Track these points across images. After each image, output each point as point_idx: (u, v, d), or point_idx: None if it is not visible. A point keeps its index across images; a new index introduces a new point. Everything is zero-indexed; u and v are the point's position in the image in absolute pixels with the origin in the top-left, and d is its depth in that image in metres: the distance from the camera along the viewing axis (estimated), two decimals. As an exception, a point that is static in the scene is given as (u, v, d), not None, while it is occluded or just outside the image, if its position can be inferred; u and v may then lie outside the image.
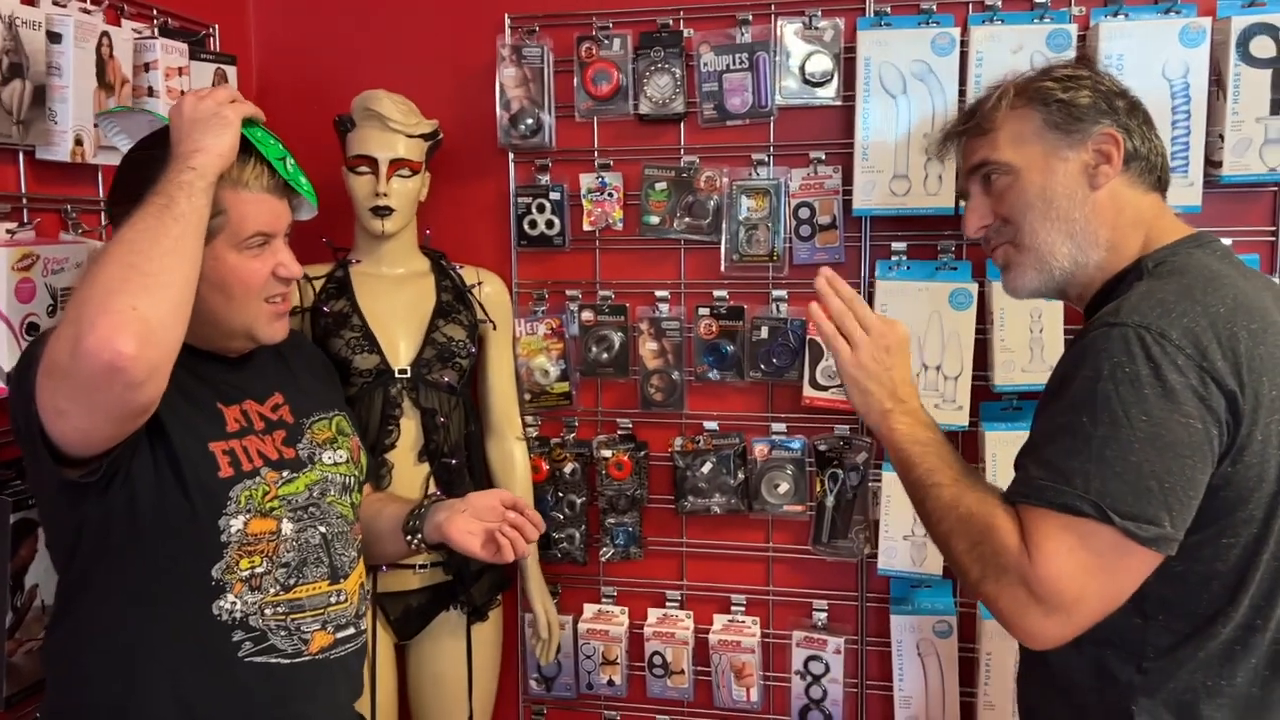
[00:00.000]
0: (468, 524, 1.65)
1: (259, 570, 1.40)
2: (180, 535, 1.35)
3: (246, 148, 1.41)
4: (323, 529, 1.49)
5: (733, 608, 2.26)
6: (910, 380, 1.36)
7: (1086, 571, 1.10)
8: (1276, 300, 1.23)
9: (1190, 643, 1.17)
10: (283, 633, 1.42)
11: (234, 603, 1.38)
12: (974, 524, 1.18)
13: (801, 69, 2.09)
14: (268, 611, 1.40)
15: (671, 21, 2.15)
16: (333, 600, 1.48)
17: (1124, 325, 1.12)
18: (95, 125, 1.73)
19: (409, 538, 1.69)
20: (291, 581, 1.43)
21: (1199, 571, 1.16)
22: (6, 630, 1.55)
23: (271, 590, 1.41)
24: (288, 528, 1.44)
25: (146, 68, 1.88)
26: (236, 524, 1.38)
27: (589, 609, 2.31)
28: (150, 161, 1.33)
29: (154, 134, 1.43)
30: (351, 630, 1.52)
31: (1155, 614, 1.18)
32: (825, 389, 2.12)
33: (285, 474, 1.45)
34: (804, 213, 2.12)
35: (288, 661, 1.41)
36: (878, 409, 1.33)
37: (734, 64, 2.11)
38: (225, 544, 1.37)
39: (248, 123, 1.41)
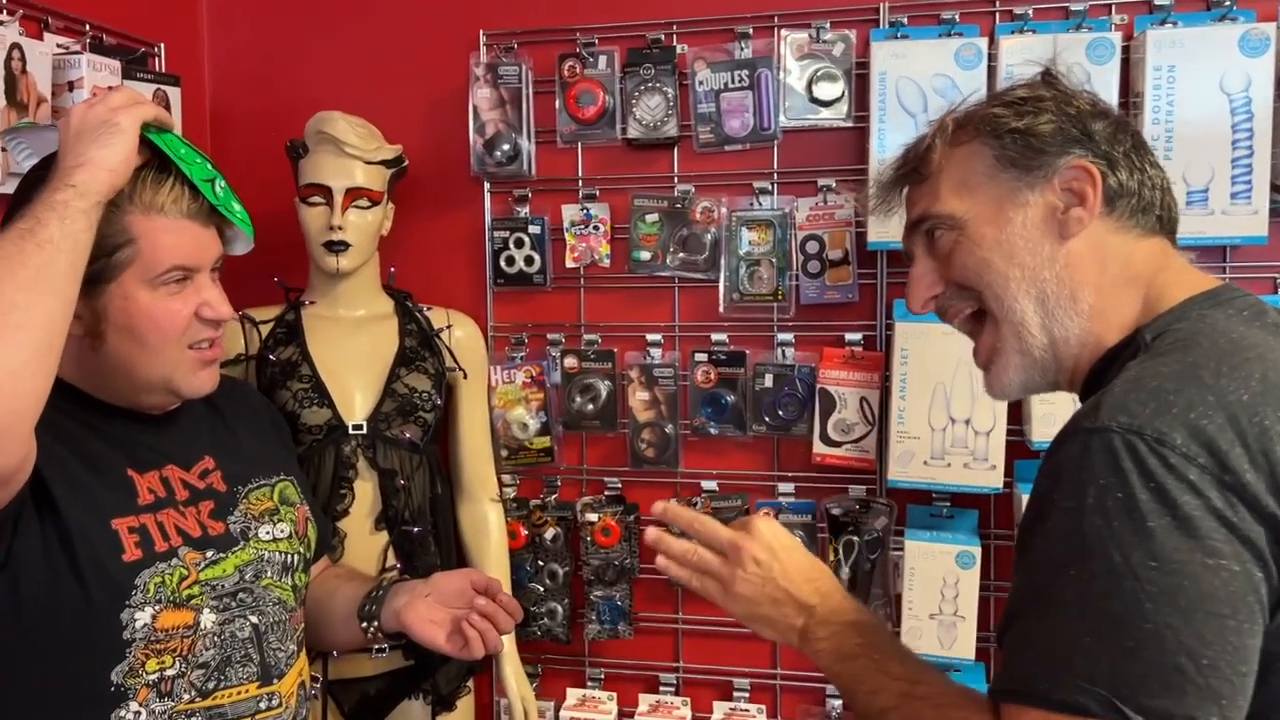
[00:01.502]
0: (430, 611, 1.43)
1: (169, 673, 1.18)
2: (73, 631, 1.13)
3: (165, 166, 1.20)
4: (254, 619, 1.26)
5: (735, 693, 2.00)
6: (810, 571, 1.07)
7: None
8: None
9: None
10: None
11: (138, 712, 1.16)
12: None
13: (808, 87, 1.87)
14: None
15: (663, 37, 1.94)
16: (263, 705, 1.26)
17: (1105, 430, 0.82)
18: (1, 147, 1.52)
19: (364, 624, 1.47)
20: (211, 685, 1.22)
21: None
22: None
23: (185, 696, 1.19)
24: (208, 620, 1.22)
25: (70, 86, 1.68)
26: (143, 617, 1.16)
27: (572, 694, 2.05)
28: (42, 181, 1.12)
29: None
30: None
31: None
32: (838, 445, 1.88)
33: (209, 554, 1.23)
34: (812, 246, 1.89)
35: None
36: (791, 632, 1.06)
37: (733, 82, 1.89)
38: (129, 641, 1.15)
39: (167, 136, 1.20)
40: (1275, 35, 1.62)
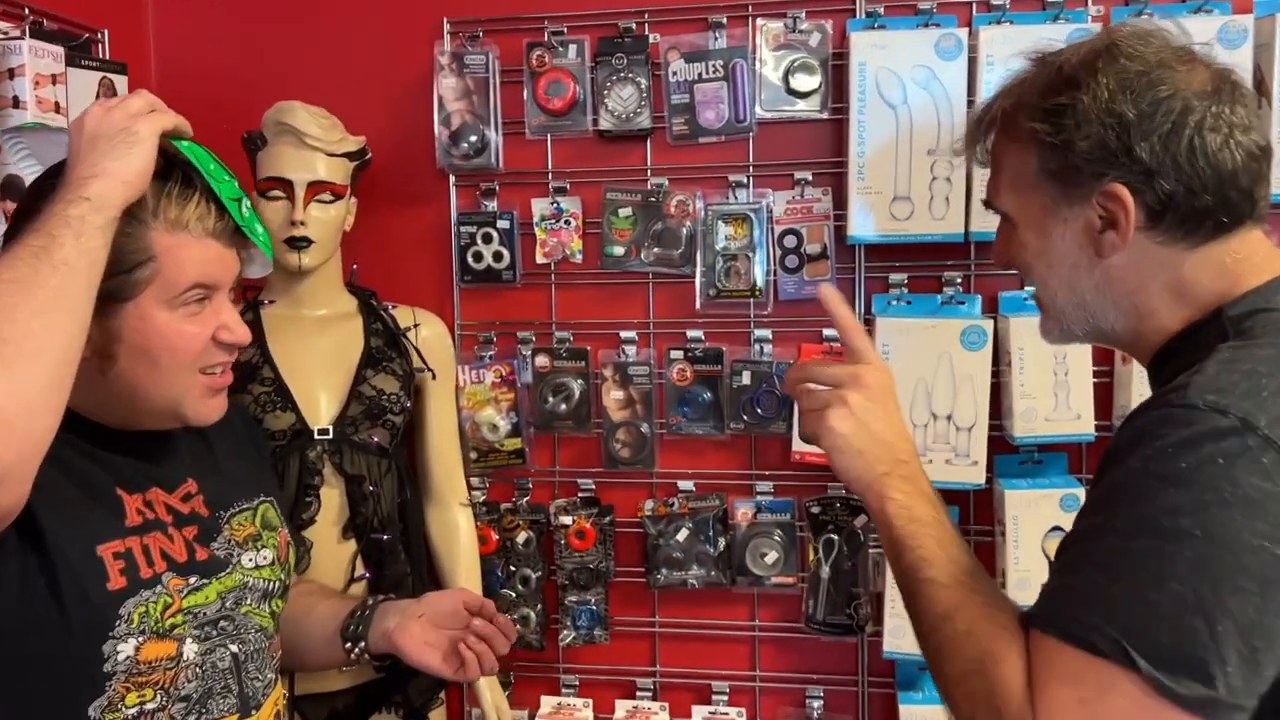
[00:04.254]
0: (425, 633, 1.40)
1: (149, 706, 1.11)
2: (50, 664, 1.06)
3: (189, 181, 1.13)
4: (234, 648, 1.19)
5: (714, 696, 1.97)
6: (907, 431, 1.08)
7: None
8: None
9: None
10: None
11: None
12: (970, 648, 0.91)
13: (785, 78, 1.84)
14: None
15: (635, 25, 1.89)
16: None
17: (1192, 406, 0.84)
18: None
19: (349, 645, 1.42)
20: (191, 719, 1.14)
21: None
22: None
23: None
24: (191, 650, 1.14)
25: (11, 74, 1.58)
26: (126, 649, 1.08)
27: (547, 702, 2.01)
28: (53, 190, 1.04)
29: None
30: None
31: None
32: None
33: (193, 580, 1.16)
34: (790, 241, 1.86)
35: None
36: (874, 473, 1.03)
37: (707, 73, 1.85)
38: (109, 674, 1.08)
39: (197, 150, 1.14)
40: (1252, 29, 1.62)
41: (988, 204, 1.11)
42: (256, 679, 1.22)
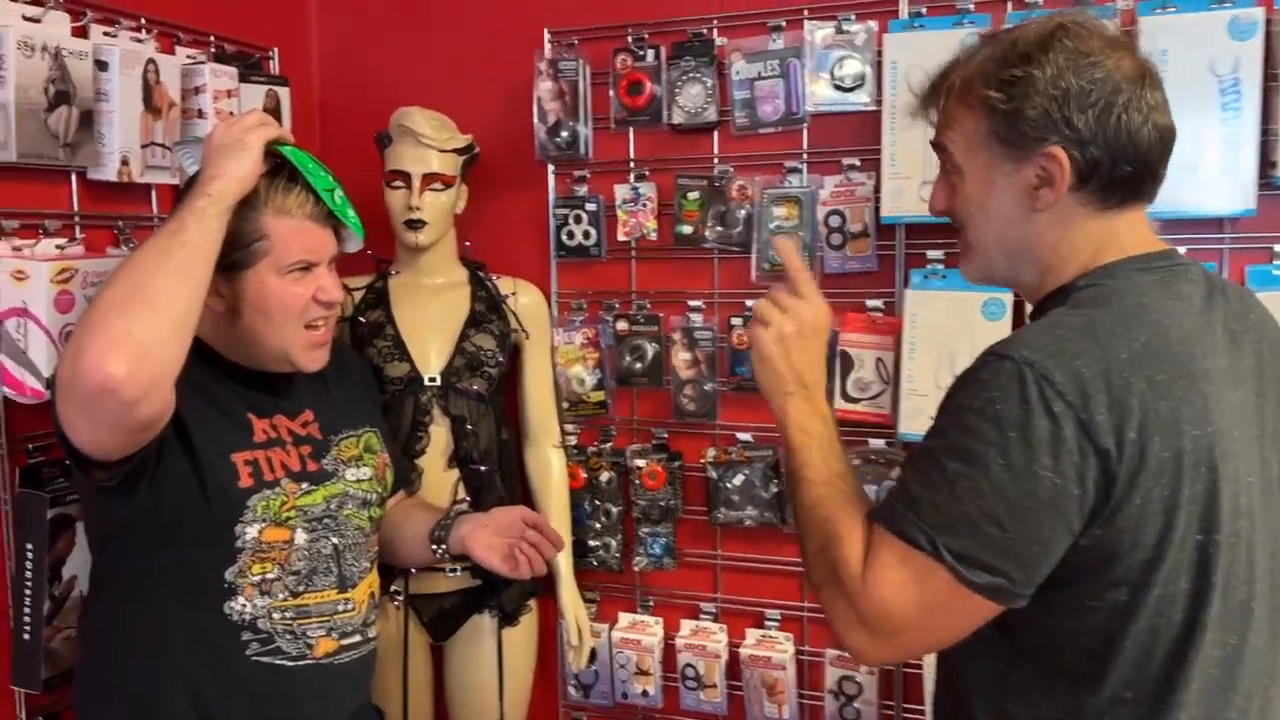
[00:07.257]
0: (489, 539, 1.71)
1: (269, 576, 1.46)
2: (198, 539, 1.43)
3: (295, 176, 1.47)
4: (335, 540, 1.54)
5: (766, 623, 2.23)
6: (821, 365, 1.29)
7: (916, 606, 1.05)
8: (1231, 337, 1.11)
9: (1056, 705, 1.09)
10: (289, 636, 1.47)
11: (244, 605, 1.45)
12: (826, 530, 1.14)
13: (833, 74, 2.05)
14: (275, 615, 1.46)
15: (705, 30, 2.14)
16: (340, 609, 1.53)
17: (1010, 359, 1.03)
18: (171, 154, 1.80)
19: (434, 547, 1.76)
20: (300, 589, 1.49)
21: (1064, 628, 1.07)
22: (45, 617, 1.67)
23: (280, 595, 1.47)
24: (301, 537, 1.49)
25: (196, 91, 2.00)
26: (251, 531, 1.44)
27: (624, 618, 2.32)
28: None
29: None
30: (358, 638, 1.57)
31: (1022, 663, 1.11)
32: (857, 401, 2.07)
33: (305, 486, 1.51)
34: (834, 220, 2.07)
35: (291, 664, 1.47)
36: (783, 390, 1.26)
37: (765, 71, 2.08)
38: (240, 549, 1.44)
39: (298, 152, 1.47)
40: (1263, 19, 1.71)
41: (934, 144, 1.24)
42: (353, 565, 1.56)
